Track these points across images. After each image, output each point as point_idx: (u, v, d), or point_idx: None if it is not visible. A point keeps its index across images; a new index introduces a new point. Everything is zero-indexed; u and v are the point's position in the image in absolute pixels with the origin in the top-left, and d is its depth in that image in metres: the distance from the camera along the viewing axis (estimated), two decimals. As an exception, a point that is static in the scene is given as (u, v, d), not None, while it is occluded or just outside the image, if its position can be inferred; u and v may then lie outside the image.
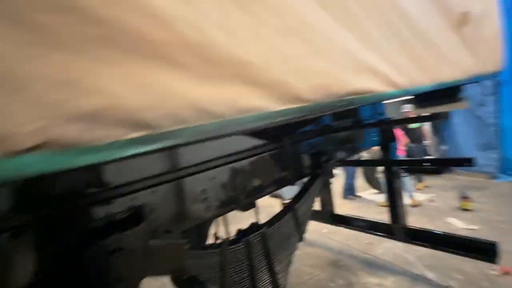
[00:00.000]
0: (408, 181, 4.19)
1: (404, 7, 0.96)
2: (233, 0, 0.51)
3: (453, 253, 2.33)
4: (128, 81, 0.42)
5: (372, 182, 5.09)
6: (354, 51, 0.73)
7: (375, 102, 0.98)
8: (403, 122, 4.26)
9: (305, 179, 1.69)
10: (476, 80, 1.65)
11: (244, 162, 1.26)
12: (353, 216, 3.16)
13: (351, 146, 2.20)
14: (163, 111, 0.44)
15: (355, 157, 2.98)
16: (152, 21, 0.43)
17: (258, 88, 0.53)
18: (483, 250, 2.08)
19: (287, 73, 0.57)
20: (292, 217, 1.52)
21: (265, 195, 1.37)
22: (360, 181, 5.16)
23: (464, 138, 5.26)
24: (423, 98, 2.21)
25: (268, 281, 1.31)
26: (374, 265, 2.72)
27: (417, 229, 2.53)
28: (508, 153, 4.78)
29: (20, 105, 0.33)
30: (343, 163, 3.41)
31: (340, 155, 2.02)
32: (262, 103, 0.54)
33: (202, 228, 1.57)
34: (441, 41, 1.16)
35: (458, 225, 3.34)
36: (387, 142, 2.52)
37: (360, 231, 3.08)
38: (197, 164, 1.00)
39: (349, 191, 4.97)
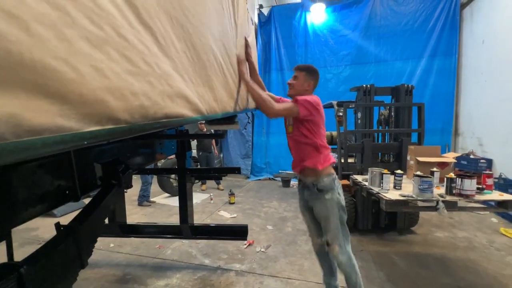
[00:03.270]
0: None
1: (213, 49, 1.18)
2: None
3: (221, 239, 3.09)
4: None
5: (165, 187, 5.37)
6: (171, 77, 0.78)
7: (183, 124, 1.09)
8: (198, 136, 4.99)
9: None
10: (245, 112, 2.34)
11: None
12: (144, 224, 3.12)
13: (149, 154, 2.20)
14: None
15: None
16: None
17: (59, 102, 0.40)
18: (239, 233, 2.91)
19: (104, 90, 0.49)
20: (74, 241, 1.24)
21: (29, 219, 1.01)
22: (154, 186, 5.22)
23: (234, 149, 7.53)
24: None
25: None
26: (163, 268, 2.85)
27: (199, 225, 3.01)
28: (256, 160, 7.41)
29: None
30: (141, 171, 3.29)
31: (139, 163, 1.96)
32: (65, 122, 0.41)
33: None
34: (231, 83, 1.54)
35: (226, 216, 4.39)
36: (183, 152, 2.80)
37: (152, 237, 3.11)
38: None
39: (144, 198, 4.92)
